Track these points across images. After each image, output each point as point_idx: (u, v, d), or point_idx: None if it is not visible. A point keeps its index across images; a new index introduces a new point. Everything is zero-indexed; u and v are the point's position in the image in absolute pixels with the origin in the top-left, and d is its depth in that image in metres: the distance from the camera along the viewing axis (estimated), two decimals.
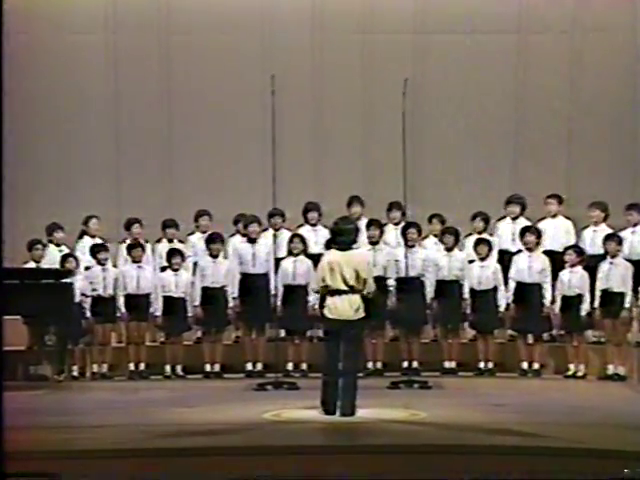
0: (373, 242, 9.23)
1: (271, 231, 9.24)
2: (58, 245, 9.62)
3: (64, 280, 8.88)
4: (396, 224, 9.58)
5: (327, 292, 6.76)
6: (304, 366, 9.14)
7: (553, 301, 9.10)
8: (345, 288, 6.67)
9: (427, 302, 9.19)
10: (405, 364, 9.11)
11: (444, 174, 10.93)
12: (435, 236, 9.60)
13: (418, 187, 9.90)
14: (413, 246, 9.19)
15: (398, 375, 8.86)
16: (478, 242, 9.31)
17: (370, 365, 9.19)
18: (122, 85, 10.92)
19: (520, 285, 9.14)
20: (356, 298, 6.71)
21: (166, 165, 11.10)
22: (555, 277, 9.13)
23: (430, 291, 9.20)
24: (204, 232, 9.66)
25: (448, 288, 9.18)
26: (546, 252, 9.31)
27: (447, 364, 9.22)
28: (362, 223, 9.29)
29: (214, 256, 9.26)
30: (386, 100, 10.09)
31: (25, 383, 8.73)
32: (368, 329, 8.83)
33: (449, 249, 9.31)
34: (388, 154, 9.95)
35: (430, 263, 9.23)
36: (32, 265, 9.32)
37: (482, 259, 9.24)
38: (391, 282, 9.15)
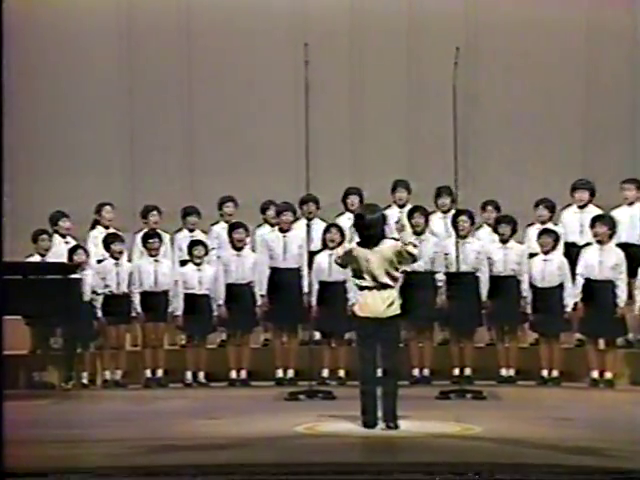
0: (417, 232, 9.12)
1: (304, 220, 9.21)
2: (63, 236, 9.62)
3: (72, 275, 8.88)
4: (445, 212, 9.54)
5: (358, 287, 6.77)
6: (341, 373, 9.15)
7: (630, 301, 8.95)
8: (376, 284, 6.67)
9: (481, 300, 9.15)
10: (456, 371, 9.00)
11: (502, 155, 10.84)
12: (489, 226, 9.52)
13: (471, 170, 9.79)
14: (465, 237, 9.13)
15: (448, 384, 8.81)
16: (542, 232, 9.22)
17: (416, 372, 9.18)
18: (138, 59, 11.04)
19: (589, 282, 9.04)
20: (390, 293, 6.69)
21: (187, 147, 11.18)
22: (633, 273, 8.99)
23: (484, 288, 9.16)
24: (229, 221, 9.69)
25: (504, 285, 9.13)
26: (621, 245, 9.20)
27: (504, 372, 9.17)
28: (406, 210, 9.36)
29: (238, 248, 9.28)
30: (435, 71, 10.07)
31: (28, 392, 8.78)
32: (414, 331, 9.09)
33: (505, 240, 9.22)
34: (437, 132, 9.92)
35: (484, 256, 9.16)
36: (37, 258, 9.34)
37: (546, 252, 9.13)
38: (440, 277, 9.15)
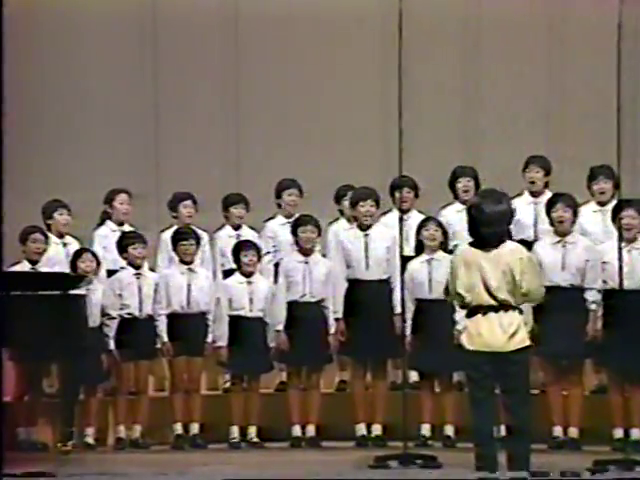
0: (561, 232, 8.86)
1: (395, 212, 9.18)
2: (61, 236, 9.57)
3: (75, 291, 8.51)
4: (603, 203, 9.24)
5: (466, 308, 6.74)
6: (449, 430, 9.00)
7: None
8: (492, 303, 6.62)
9: None
10: (619, 432, 8.73)
11: None
12: None
13: None
14: (634, 239, 8.75)
15: (607, 450, 8.56)
16: None
17: (558, 432, 8.89)
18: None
19: None
20: (513, 318, 6.64)
21: (230, 114, 11.13)
22: None
23: None
24: (290, 216, 9.61)
25: None
26: None
27: None
28: (543, 201, 9.16)
29: (305, 252, 9.22)
30: (585, 9, 10.22)
31: (11, 455, 8.46)
32: (553, 372, 8.81)
33: None
34: (589, 95, 10.10)
35: None
36: (26, 266, 9.22)
37: None
38: (593, 296, 8.86)
